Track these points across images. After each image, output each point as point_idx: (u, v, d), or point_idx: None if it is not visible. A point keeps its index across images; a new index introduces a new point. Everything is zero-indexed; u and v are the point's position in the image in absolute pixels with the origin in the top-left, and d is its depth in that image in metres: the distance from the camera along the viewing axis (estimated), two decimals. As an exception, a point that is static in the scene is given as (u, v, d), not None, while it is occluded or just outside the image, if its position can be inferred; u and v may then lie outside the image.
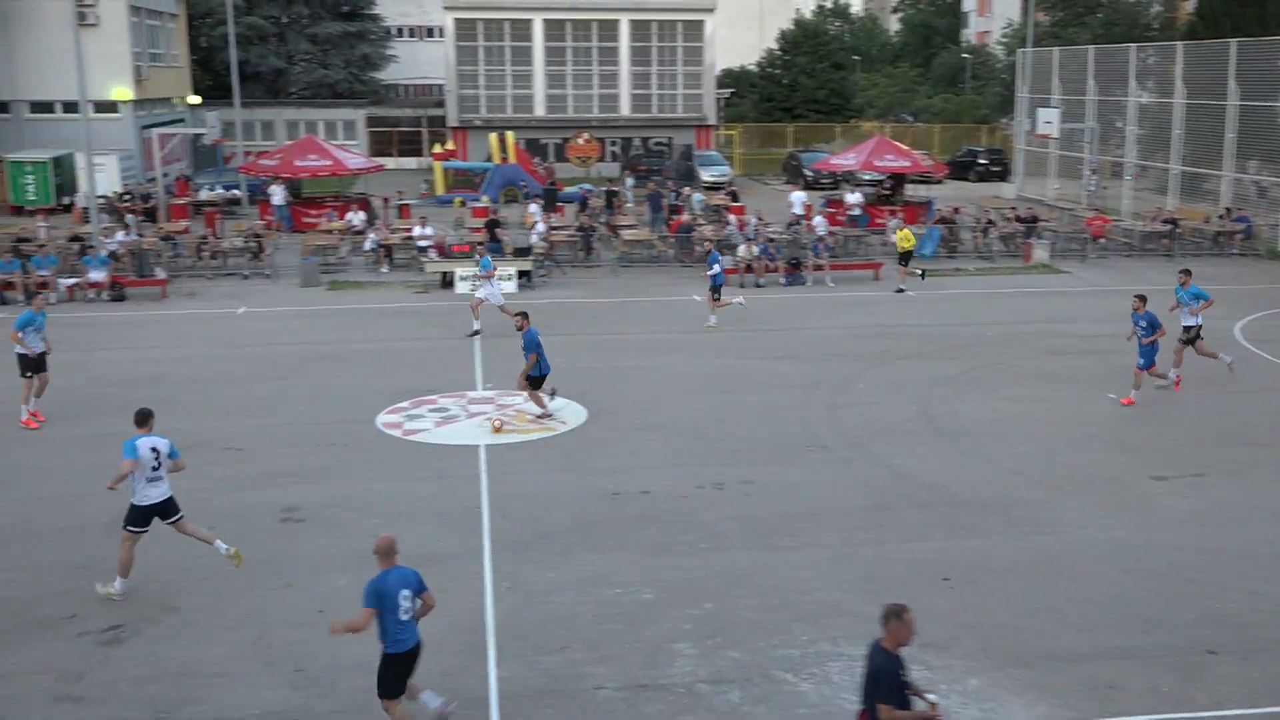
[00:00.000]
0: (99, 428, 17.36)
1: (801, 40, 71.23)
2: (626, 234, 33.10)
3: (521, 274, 28.34)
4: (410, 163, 57.78)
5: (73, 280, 27.34)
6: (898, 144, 40.93)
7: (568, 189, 42.05)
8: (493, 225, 31.03)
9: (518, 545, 13.25)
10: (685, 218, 34.01)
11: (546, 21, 53.80)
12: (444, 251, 30.60)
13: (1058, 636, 11.06)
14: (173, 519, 12.23)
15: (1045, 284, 29.77)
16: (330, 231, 33.83)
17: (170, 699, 10.00)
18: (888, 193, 40.12)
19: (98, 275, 27.25)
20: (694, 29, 54.81)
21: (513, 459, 16.24)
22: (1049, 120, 42.74)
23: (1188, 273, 20.05)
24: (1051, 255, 32.58)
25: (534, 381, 17.76)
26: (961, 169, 53.96)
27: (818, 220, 31.68)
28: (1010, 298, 27.82)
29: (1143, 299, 18.66)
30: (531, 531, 13.65)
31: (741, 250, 29.35)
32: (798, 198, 35.90)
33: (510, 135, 44.93)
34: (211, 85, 56.99)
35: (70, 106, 41.63)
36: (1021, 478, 15.50)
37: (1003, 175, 52.77)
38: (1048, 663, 10.57)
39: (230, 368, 21.20)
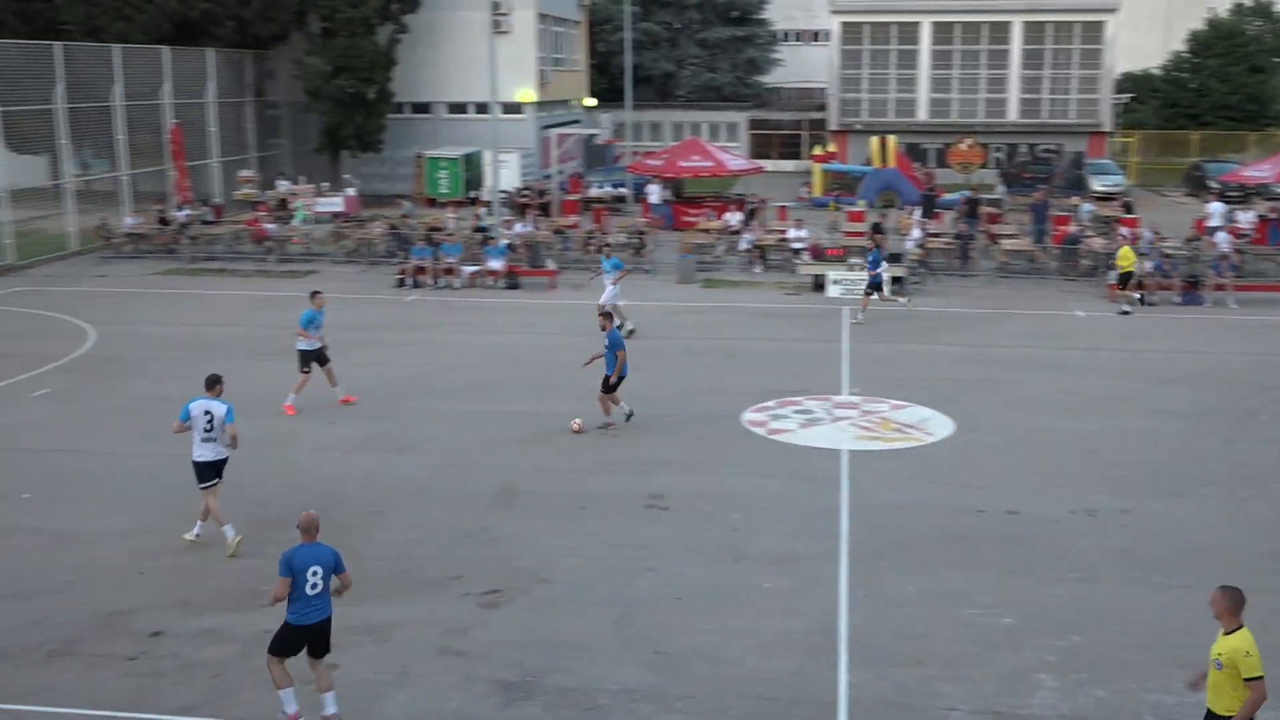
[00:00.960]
0: (490, 405, 18.75)
1: (1214, 41, 65.76)
2: (1007, 243, 31.91)
3: (894, 280, 27.94)
4: (789, 165, 58.33)
5: (474, 268, 29.59)
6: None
7: (947, 195, 41.04)
8: (876, 229, 30.82)
9: (876, 554, 13.11)
10: (1072, 228, 32.34)
11: (935, 24, 52.68)
12: (818, 254, 30.67)
13: None
14: (210, 473, 13.09)
15: None
16: (708, 230, 34.74)
17: (538, 665, 10.66)
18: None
19: (496, 264, 29.36)
20: (1093, 30, 51.95)
21: (875, 466, 16.07)
22: None
23: None
24: None
25: (612, 385, 17.55)
26: None
27: (1220, 236, 29.20)
28: None
29: None
30: (890, 541, 13.48)
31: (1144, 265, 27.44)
32: (1216, 209, 33.18)
33: (892, 139, 44.40)
34: (606, 88, 59.91)
35: (481, 108, 45.05)
36: None
37: None
38: None
39: (608, 357, 22.21)
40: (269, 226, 33.76)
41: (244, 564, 12.73)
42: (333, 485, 15.24)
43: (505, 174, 40.55)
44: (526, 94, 47.37)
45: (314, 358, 18.58)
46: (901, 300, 25.48)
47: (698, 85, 64.87)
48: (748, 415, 18.34)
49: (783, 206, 39.81)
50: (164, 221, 34.41)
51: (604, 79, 61.08)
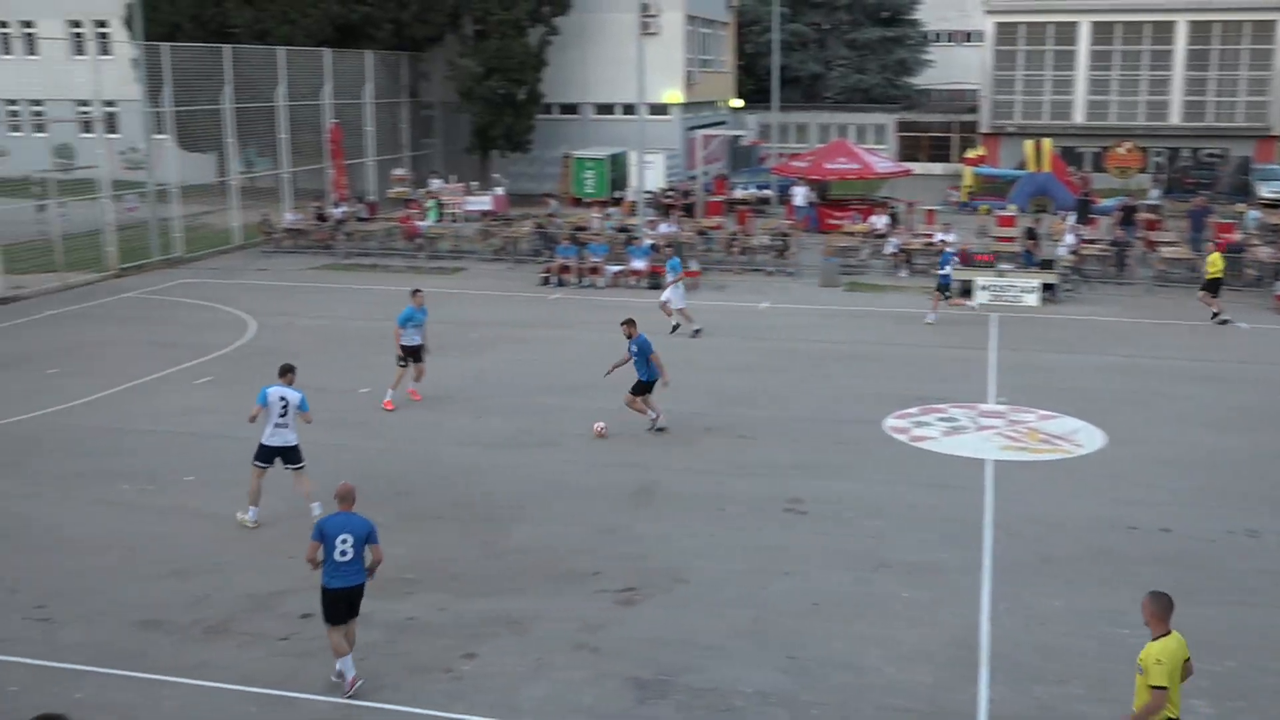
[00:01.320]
0: (616, 403, 18.86)
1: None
2: (1165, 251, 30.74)
3: (1045, 287, 27.20)
4: (937, 168, 57.26)
5: (618, 267, 29.84)
6: None
7: (1103, 201, 39.76)
8: (1029, 234, 30.13)
9: (1020, 567, 12.79)
10: (1236, 236, 30.98)
11: (1094, 24, 51.09)
12: (966, 259, 30.04)
13: None
14: (293, 466, 13.82)
15: None
16: (853, 233, 34.36)
17: (672, 663, 10.70)
18: None
19: (639, 264, 29.55)
20: (1264, 30, 49.69)
21: (1022, 477, 15.68)
22: None
23: None
24: None
25: (642, 387, 17.38)
26: None
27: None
28: None
29: None
30: (1036, 554, 13.13)
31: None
32: None
33: (1047, 142, 43.19)
34: (753, 89, 59.71)
35: (628, 109, 45.39)
36: None
37: None
38: None
39: (748, 359, 22.18)
40: (420, 224, 34.64)
41: (391, 552, 13.03)
42: (475, 478, 15.55)
43: (650, 174, 40.75)
44: (673, 95, 47.54)
45: (411, 354, 18.87)
46: (970, 304, 25.35)
47: (845, 87, 64.16)
48: (890, 421, 18.08)
49: (930, 210, 39.13)
50: (321, 218, 35.60)
51: (751, 80, 60.87)
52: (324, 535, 10.05)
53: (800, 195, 38.80)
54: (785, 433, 17.60)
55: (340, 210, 36.05)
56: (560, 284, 29.61)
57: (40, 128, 49.95)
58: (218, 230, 36.66)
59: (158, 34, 37.83)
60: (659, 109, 46.60)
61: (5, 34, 52.04)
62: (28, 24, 51.82)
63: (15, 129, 49.18)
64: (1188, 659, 8.19)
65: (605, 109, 48.79)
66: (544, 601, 11.96)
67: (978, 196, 43.73)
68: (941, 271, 25.44)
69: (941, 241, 29.11)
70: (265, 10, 42.68)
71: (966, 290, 27.33)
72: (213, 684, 10.32)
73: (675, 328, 23.70)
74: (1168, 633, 8.05)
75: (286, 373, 14.06)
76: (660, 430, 17.48)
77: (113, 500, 14.76)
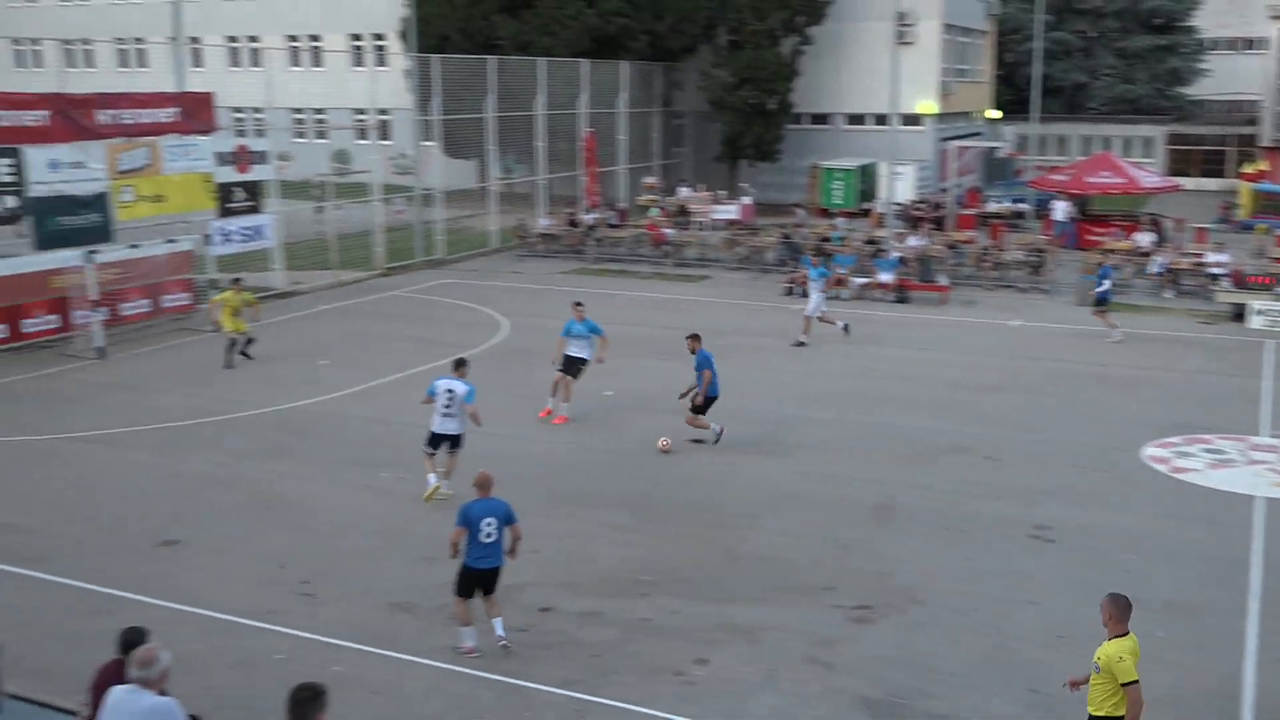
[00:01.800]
0: (873, 417, 18.62)
1: None
2: None
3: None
4: (1210, 184, 53.89)
5: (864, 280, 29.44)
6: None
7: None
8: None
9: (1291, 614, 11.90)
10: None
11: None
12: (1240, 281, 28.16)
13: None
14: (452, 449, 14.72)
15: None
16: (1114, 251, 32.72)
17: (906, 687, 10.47)
18: None
19: (886, 277, 29.07)
20: None
21: (1296, 518, 14.57)
22: None
23: None
24: None
25: (703, 406, 16.94)
26: None
27: None
28: None
29: None
30: (1309, 602, 12.17)
31: None
32: None
33: (1336, 158, 40.00)
34: (1011, 100, 57.77)
35: (880, 119, 44.80)
36: None
37: None
38: None
39: (997, 378, 21.48)
40: (667, 231, 35.16)
41: (627, 553, 13.35)
42: (714, 484, 15.66)
43: (900, 186, 40.06)
44: (927, 105, 46.56)
45: (568, 366, 18.68)
46: (1114, 332, 24.45)
47: (1111, 97, 61.21)
48: (1149, 450, 17.14)
49: (1201, 228, 36.88)
50: (573, 223, 36.65)
51: (1009, 90, 58.90)
52: (468, 520, 10.78)
53: (1060, 210, 37.26)
54: (1034, 455, 16.95)
55: (591, 216, 37.01)
56: (804, 294, 29.42)
57: (322, 134, 53.43)
58: (476, 233, 38.28)
59: (429, 46, 39.88)
60: (912, 119, 45.74)
61: (295, 48, 55.97)
62: (315, 38, 55.59)
63: (300, 136, 52.82)
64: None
65: (856, 119, 48.25)
66: (776, 612, 11.92)
67: (1256, 215, 40.92)
68: (1100, 288, 24.70)
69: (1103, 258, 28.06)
70: (529, 23, 44.30)
71: (1239, 314, 25.68)
72: (455, 668, 10.78)
73: (844, 327, 24.27)
74: (1126, 633, 8.38)
75: (459, 366, 15.22)
76: (707, 442, 17.22)
77: (374, 486, 15.63)
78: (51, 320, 23.35)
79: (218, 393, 20.14)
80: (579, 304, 19.36)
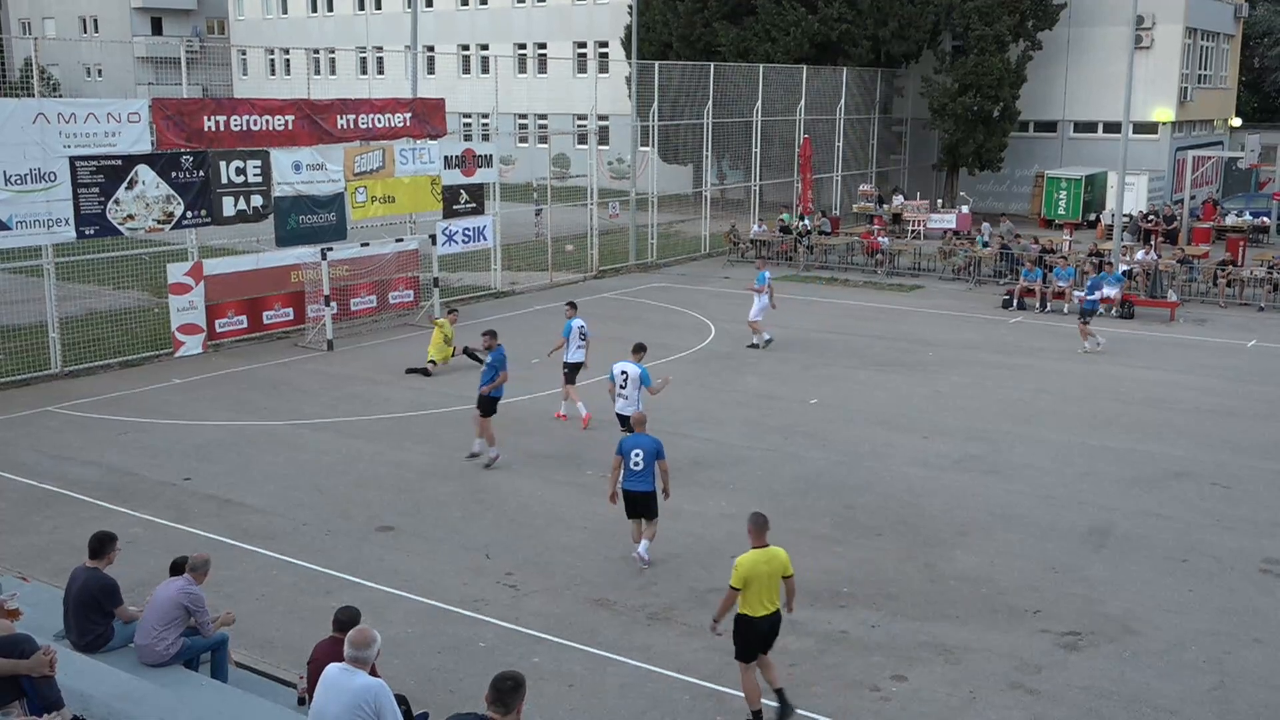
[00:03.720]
0: (1091, 438, 17.88)
1: None
2: None
3: None
4: None
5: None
6: None
7: None
8: None
9: None
10: None
11: None
12: None
13: None
14: (625, 427, 14.97)
15: None
16: (1369, 270, 30.41)
17: (1117, 719, 10.02)
18: None
19: (1110, 291, 27.83)
20: None
21: None
22: None
23: None
24: None
25: (488, 404, 16.47)
26: None
27: None
28: None
29: None
30: None
31: None
32: None
33: None
34: (1256, 107, 54.47)
35: (1111, 127, 42.94)
36: None
37: None
38: None
39: (1228, 401, 20.30)
40: (881, 240, 34.64)
41: (828, 564, 13.23)
42: (921, 499, 15.35)
43: (1130, 197, 38.29)
44: (1163, 113, 44.38)
45: (568, 370, 18.72)
46: (1090, 340, 23.64)
47: (1372, 104, 56.90)
48: (1400, 485, 15.88)
49: None
50: (785, 230, 36.51)
51: (1255, 97, 55.55)
52: (622, 450, 12.77)
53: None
54: (1269, 484, 15.93)
55: (804, 223, 36.79)
56: (1021, 307, 28.52)
57: (543, 139, 54.97)
58: (688, 238, 38.60)
59: (650, 53, 40.50)
60: (1145, 127, 43.70)
61: (523, 55, 57.76)
62: (541, 46, 57.21)
63: (523, 140, 54.48)
64: (789, 575, 9.56)
65: (1085, 127, 46.40)
66: (980, 633, 11.60)
67: None
68: (1089, 296, 24.39)
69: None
70: (749, 30, 44.40)
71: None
72: (652, 668, 10.91)
73: (767, 341, 23.93)
74: (764, 546, 9.30)
75: (637, 351, 16.16)
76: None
77: (579, 483, 15.98)
78: (287, 313, 24.82)
79: (436, 386, 20.97)
80: (571, 303, 19.63)
